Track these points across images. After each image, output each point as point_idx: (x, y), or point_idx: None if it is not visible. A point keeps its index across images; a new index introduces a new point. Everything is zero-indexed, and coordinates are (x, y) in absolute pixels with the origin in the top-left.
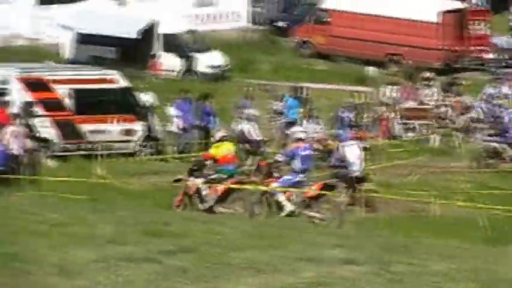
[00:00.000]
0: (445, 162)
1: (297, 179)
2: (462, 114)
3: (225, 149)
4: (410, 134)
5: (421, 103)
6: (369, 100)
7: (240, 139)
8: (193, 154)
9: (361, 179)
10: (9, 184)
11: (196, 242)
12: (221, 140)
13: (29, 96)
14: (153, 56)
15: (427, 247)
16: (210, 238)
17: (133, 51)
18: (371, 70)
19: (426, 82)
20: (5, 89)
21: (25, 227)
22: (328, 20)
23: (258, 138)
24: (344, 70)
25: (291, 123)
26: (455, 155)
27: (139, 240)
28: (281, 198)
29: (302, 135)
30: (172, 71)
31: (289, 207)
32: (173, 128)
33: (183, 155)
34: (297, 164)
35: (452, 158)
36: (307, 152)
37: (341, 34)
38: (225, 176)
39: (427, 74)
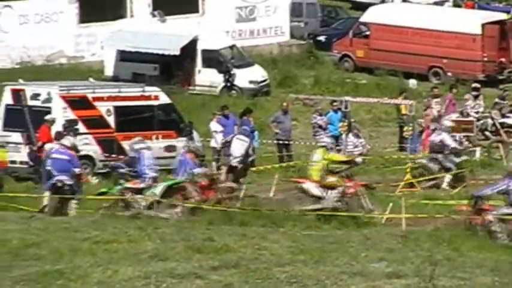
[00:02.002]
0: (488, 175)
1: None
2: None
3: None
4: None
5: (464, 115)
6: (408, 113)
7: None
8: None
9: None
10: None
11: (240, 257)
12: None
13: (71, 114)
14: (194, 72)
15: (471, 260)
16: (253, 253)
17: (174, 68)
18: (411, 83)
19: (475, 93)
20: (49, 107)
21: (69, 244)
22: (369, 33)
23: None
24: (385, 83)
25: (333, 138)
26: (498, 167)
27: (183, 256)
28: None
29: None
30: (213, 86)
31: None
32: (214, 144)
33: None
34: None
35: (495, 170)
36: None
37: (381, 47)
38: None
39: (476, 85)
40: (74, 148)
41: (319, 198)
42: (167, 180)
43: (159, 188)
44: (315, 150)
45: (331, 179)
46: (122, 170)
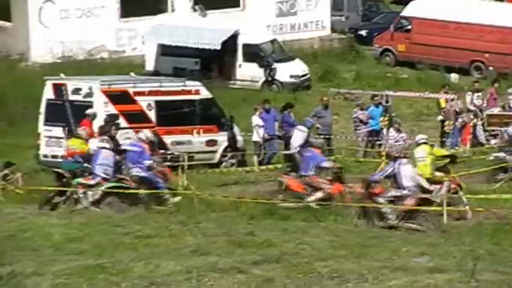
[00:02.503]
0: None
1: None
2: None
3: None
4: (494, 141)
5: (506, 109)
6: (449, 107)
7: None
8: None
9: None
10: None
11: (282, 252)
12: None
13: (113, 109)
14: (235, 66)
15: None
16: (294, 248)
17: (215, 62)
18: (453, 77)
19: None
20: (90, 101)
21: (110, 239)
22: (410, 27)
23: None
24: (426, 77)
25: (374, 132)
26: None
27: (224, 251)
28: None
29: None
30: (254, 81)
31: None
32: (255, 138)
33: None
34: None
35: None
36: None
37: (423, 41)
38: None
39: None
40: (151, 142)
41: (428, 192)
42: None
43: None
44: (416, 147)
45: (439, 174)
46: (85, 165)
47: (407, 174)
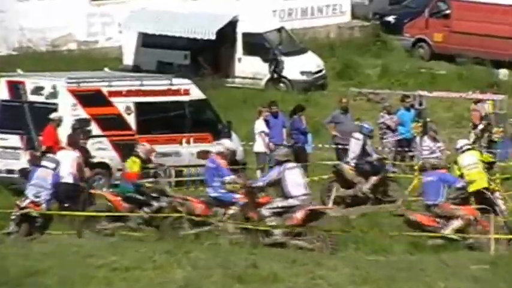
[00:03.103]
0: None
1: None
2: None
3: None
4: None
5: None
6: (499, 110)
7: None
8: None
9: None
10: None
11: None
12: None
13: (83, 112)
14: (233, 60)
15: None
16: (306, 283)
17: (208, 55)
18: (502, 73)
19: None
20: (54, 103)
21: (81, 272)
22: (449, 12)
23: None
24: (469, 74)
25: (404, 141)
26: None
27: (220, 287)
28: None
29: None
30: (256, 78)
31: None
32: (258, 148)
33: None
34: None
35: None
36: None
37: (465, 29)
38: None
39: None
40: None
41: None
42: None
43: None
44: (461, 154)
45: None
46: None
47: (295, 180)
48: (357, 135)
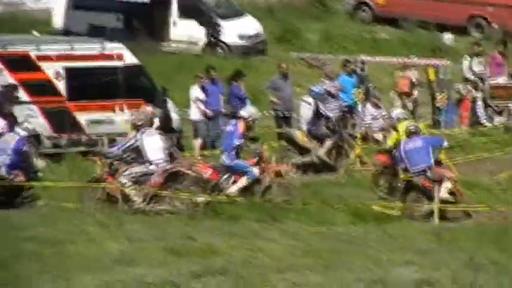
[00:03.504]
0: None
1: None
2: None
3: None
4: (498, 119)
5: None
6: (443, 76)
7: None
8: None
9: None
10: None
11: (229, 261)
12: None
13: (9, 78)
14: (168, 24)
15: None
16: (246, 256)
17: (142, 19)
18: (446, 38)
19: None
20: None
21: (7, 246)
22: None
23: None
24: (413, 38)
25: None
26: None
27: (156, 260)
28: None
29: None
30: (193, 43)
31: None
32: (195, 116)
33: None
34: None
35: None
36: None
37: None
38: None
39: None
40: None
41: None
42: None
43: None
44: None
45: None
46: None
47: (155, 146)
48: (308, 99)
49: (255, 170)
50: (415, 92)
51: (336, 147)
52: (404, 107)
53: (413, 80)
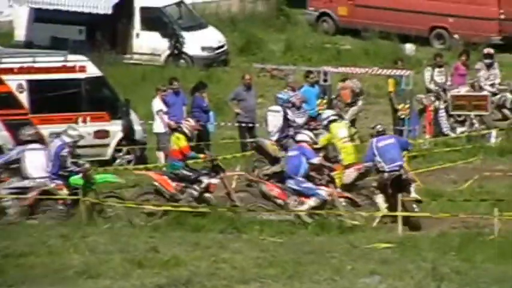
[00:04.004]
0: (507, 165)
1: None
2: None
3: None
4: (461, 129)
5: (475, 88)
6: (405, 86)
7: None
8: None
9: None
10: None
11: (193, 273)
12: None
13: None
14: (131, 36)
15: (486, 273)
16: (210, 267)
17: (105, 31)
18: (408, 48)
19: (488, 60)
20: None
21: None
22: None
23: None
24: (375, 49)
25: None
26: None
27: (119, 272)
28: None
29: None
30: (155, 54)
31: None
32: (158, 128)
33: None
34: None
35: None
36: None
37: (370, 3)
38: None
39: (489, 51)
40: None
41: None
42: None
43: None
44: (332, 125)
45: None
46: None
47: (36, 163)
48: (275, 107)
49: (323, 192)
50: (359, 102)
51: None
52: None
53: (356, 89)
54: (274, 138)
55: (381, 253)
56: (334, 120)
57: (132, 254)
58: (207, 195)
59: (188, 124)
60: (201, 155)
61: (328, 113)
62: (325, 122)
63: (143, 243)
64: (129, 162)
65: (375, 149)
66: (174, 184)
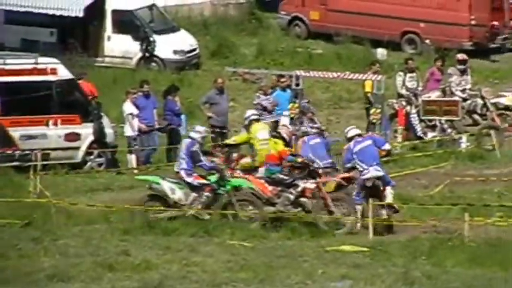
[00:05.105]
0: (478, 170)
1: None
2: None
3: None
4: (432, 134)
5: (447, 94)
6: (376, 91)
7: None
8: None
9: None
10: None
11: (164, 276)
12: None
13: None
14: (102, 38)
15: (457, 278)
16: (180, 270)
17: (76, 33)
18: (380, 53)
19: (461, 66)
20: None
21: None
22: None
23: None
24: (346, 53)
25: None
26: (490, 159)
27: (90, 275)
28: None
29: None
30: (127, 57)
31: None
32: (129, 131)
33: (142, 165)
34: None
35: (486, 163)
36: None
37: (342, 7)
38: None
39: (463, 56)
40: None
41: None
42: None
43: None
44: (251, 126)
45: None
46: None
47: None
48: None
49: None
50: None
51: None
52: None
53: (268, 105)
54: None
55: (352, 257)
56: (255, 120)
57: (103, 258)
58: (302, 199)
59: (286, 129)
60: (299, 159)
61: (249, 113)
62: (246, 122)
63: (114, 247)
64: (100, 165)
65: (353, 153)
66: (270, 188)
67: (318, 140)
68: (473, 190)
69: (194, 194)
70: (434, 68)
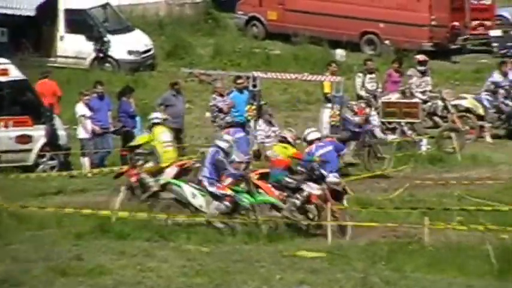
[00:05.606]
0: (438, 173)
1: None
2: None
3: None
4: (392, 137)
5: (406, 95)
6: (336, 93)
7: None
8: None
9: None
10: None
11: (118, 281)
12: None
13: None
14: (55, 38)
15: (416, 283)
16: (135, 276)
17: (28, 33)
18: (338, 54)
19: (421, 68)
20: None
21: None
22: None
23: None
24: (305, 54)
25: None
26: (451, 162)
27: (42, 281)
28: None
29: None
30: (80, 58)
31: None
32: (83, 134)
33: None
34: None
35: (446, 166)
36: None
37: (300, 7)
38: None
39: (421, 57)
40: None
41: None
42: None
43: None
44: (158, 127)
45: None
46: None
47: None
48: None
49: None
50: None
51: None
52: None
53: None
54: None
55: (310, 262)
56: (158, 123)
57: (55, 262)
58: (308, 206)
59: (291, 133)
60: (316, 158)
61: (153, 115)
62: (149, 123)
63: (67, 251)
64: (52, 168)
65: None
66: (277, 193)
67: (328, 147)
68: (433, 194)
69: (215, 202)
70: (391, 70)
